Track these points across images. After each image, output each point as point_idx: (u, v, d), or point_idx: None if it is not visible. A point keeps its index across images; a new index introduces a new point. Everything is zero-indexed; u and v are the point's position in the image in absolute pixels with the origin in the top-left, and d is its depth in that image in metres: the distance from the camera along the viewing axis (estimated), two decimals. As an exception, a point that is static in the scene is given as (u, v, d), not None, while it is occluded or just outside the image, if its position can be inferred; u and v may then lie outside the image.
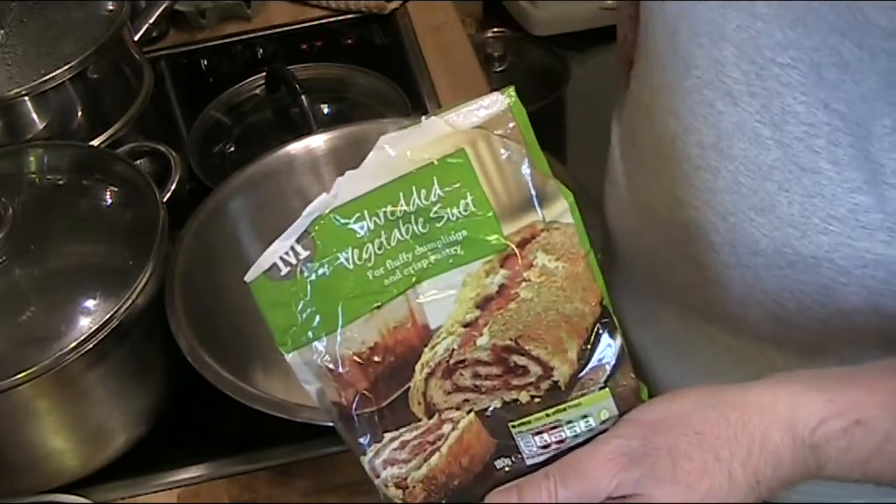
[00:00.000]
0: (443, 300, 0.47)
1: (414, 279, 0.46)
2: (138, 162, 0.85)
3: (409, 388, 0.47)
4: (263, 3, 1.26)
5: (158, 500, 0.75)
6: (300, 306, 0.46)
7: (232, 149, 1.06)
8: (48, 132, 0.88)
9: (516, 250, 0.46)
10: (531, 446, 0.48)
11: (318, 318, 0.46)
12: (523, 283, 0.46)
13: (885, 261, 0.55)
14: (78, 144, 0.88)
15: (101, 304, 0.70)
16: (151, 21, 1.03)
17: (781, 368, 0.63)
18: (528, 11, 1.79)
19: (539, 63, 1.81)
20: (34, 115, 0.88)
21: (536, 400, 0.48)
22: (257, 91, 1.12)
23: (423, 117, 0.45)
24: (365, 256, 0.46)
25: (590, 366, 0.48)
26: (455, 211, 0.46)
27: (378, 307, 0.46)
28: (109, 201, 0.80)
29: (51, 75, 0.85)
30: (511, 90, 0.45)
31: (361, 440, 0.48)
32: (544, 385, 0.47)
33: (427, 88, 1.09)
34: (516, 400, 0.48)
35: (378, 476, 0.48)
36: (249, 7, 1.24)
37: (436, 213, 0.46)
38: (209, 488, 0.76)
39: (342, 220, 0.45)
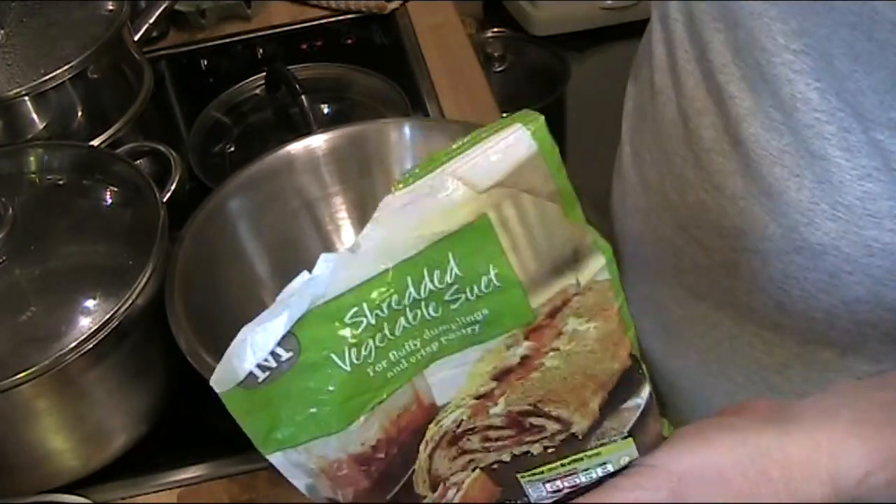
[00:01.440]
0: (454, 377, 0.40)
1: (422, 365, 0.39)
2: (138, 162, 0.85)
3: (413, 470, 0.42)
4: (263, 3, 1.26)
5: (158, 500, 0.75)
6: (283, 410, 0.39)
7: (232, 149, 1.06)
8: (48, 132, 0.88)
9: (545, 321, 0.39)
10: (540, 491, 0.43)
11: (307, 421, 0.39)
12: (550, 353, 0.40)
13: (890, 250, 0.54)
14: (78, 144, 0.88)
15: (101, 304, 0.70)
16: (151, 21, 1.03)
17: (781, 358, 0.64)
18: (528, 11, 1.79)
19: (539, 63, 1.82)
20: (34, 115, 0.88)
21: (550, 451, 0.42)
22: (257, 91, 1.12)
23: (437, 173, 0.36)
24: (364, 353, 0.38)
25: (613, 415, 0.42)
26: (475, 289, 0.38)
27: (380, 402, 0.39)
28: (109, 201, 0.80)
29: (51, 75, 0.85)
30: (539, 121, 0.36)
31: None
32: (560, 437, 0.41)
33: (427, 88, 1.09)
34: (528, 452, 0.42)
35: None
36: (249, 7, 1.24)
37: (452, 295, 0.38)
38: (209, 488, 0.75)
39: (334, 317, 0.37)
